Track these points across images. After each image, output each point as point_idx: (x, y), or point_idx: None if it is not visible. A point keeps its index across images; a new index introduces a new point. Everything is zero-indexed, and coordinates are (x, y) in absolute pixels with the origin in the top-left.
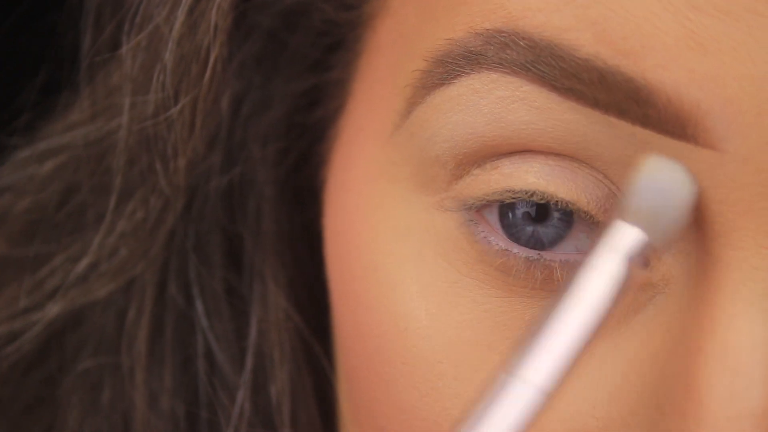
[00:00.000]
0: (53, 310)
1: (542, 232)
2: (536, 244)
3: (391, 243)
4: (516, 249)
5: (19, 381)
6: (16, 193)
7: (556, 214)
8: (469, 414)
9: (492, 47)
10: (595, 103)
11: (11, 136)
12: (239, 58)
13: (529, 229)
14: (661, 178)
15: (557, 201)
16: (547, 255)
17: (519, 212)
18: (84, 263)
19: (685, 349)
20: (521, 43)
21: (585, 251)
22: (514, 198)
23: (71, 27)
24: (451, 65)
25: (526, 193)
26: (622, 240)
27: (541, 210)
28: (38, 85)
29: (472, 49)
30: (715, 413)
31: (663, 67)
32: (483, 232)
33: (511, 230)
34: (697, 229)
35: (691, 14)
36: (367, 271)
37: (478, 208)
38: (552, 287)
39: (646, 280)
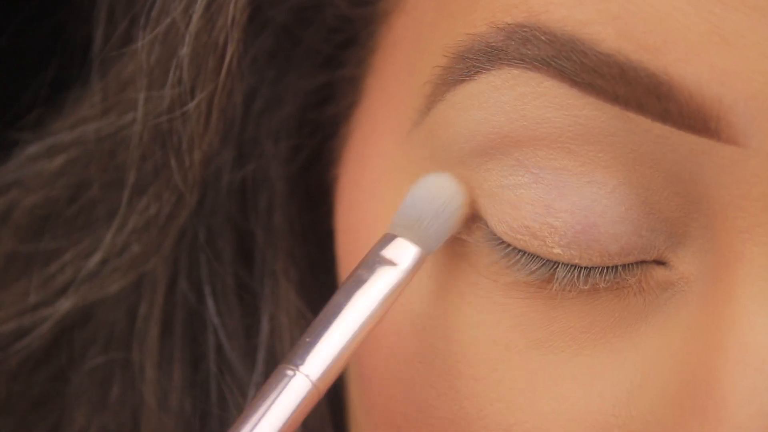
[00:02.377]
0: (63, 305)
1: None
2: None
3: None
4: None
5: (28, 377)
6: (25, 189)
7: None
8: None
9: (513, 42)
10: (615, 99)
11: (21, 131)
12: (252, 52)
13: None
14: (423, 192)
15: None
16: None
17: None
18: (95, 259)
19: (705, 347)
20: (542, 37)
21: None
22: None
23: (82, 22)
24: (472, 61)
25: None
26: (390, 251)
27: None
28: (48, 80)
29: (493, 44)
30: (737, 411)
31: (685, 62)
32: None
33: None
34: (717, 226)
35: (717, 9)
36: None
37: None
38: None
39: (666, 278)
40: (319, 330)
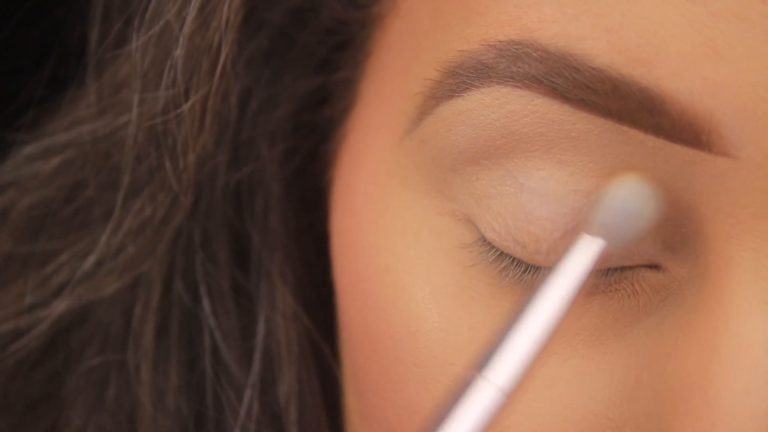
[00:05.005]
0: (59, 307)
1: None
2: None
3: (402, 244)
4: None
5: (24, 378)
6: (21, 189)
7: None
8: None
9: (504, 60)
10: (608, 113)
11: (17, 131)
12: (248, 54)
13: None
14: (626, 196)
15: None
16: None
17: None
18: (91, 260)
19: (698, 349)
20: (534, 54)
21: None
22: None
23: (78, 22)
24: (462, 77)
25: None
26: (587, 251)
27: None
28: (44, 81)
29: (484, 61)
30: (731, 413)
31: (677, 75)
32: None
33: None
34: (709, 232)
35: (709, 21)
36: (377, 271)
37: None
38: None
39: (659, 282)
40: (511, 341)
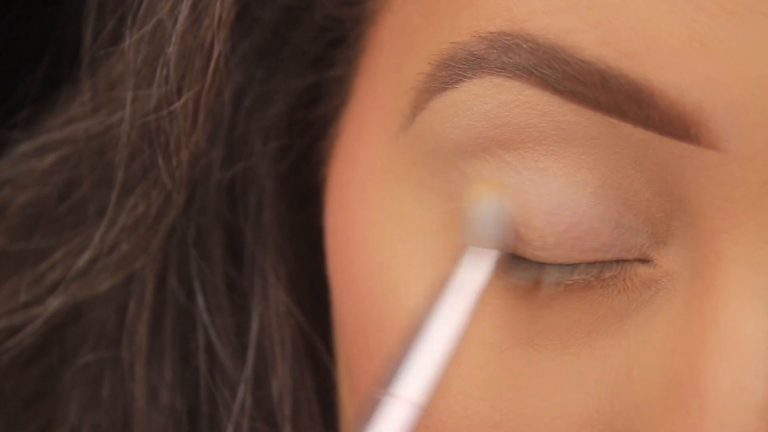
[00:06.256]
0: (54, 304)
1: None
2: None
3: (397, 240)
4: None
5: (19, 375)
6: (16, 187)
7: None
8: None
9: (495, 51)
10: (597, 105)
11: (12, 129)
12: (241, 51)
13: None
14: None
15: None
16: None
17: None
18: (85, 257)
19: (688, 344)
20: (524, 45)
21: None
22: None
23: (72, 20)
24: (454, 69)
25: None
26: (481, 261)
27: None
28: (39, 79)
29: (476, 52)
30: (720, 407)
31: (666, 68)
32: None
33: None
34: (699, 226)
35: (697, 15)
36: (371, 267)
37: None
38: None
39: (650, 276)
40: (416, 354)
